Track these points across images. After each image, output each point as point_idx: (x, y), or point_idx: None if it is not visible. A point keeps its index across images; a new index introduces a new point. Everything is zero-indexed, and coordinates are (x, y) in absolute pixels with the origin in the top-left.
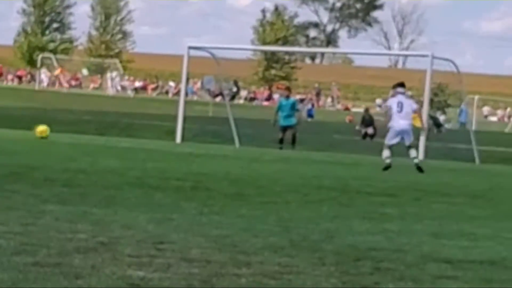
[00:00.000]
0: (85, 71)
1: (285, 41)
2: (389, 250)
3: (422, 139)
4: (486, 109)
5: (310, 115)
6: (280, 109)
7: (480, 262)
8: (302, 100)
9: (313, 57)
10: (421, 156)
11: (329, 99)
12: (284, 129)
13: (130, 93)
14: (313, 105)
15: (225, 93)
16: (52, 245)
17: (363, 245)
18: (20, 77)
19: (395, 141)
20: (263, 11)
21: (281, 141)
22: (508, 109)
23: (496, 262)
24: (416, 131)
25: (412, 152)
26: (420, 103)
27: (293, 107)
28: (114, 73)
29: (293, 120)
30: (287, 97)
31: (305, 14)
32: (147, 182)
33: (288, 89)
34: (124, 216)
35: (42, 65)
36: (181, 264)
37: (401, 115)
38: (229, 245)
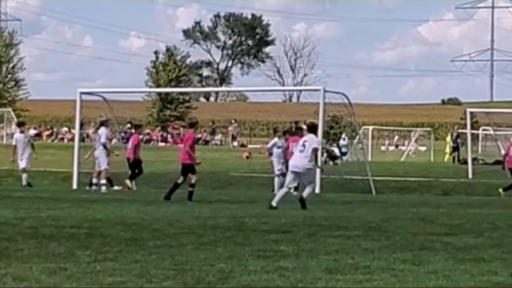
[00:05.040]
0: None
1: (178, 82)
2: None
3: (318, 173)
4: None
5: None
6: None
7: None
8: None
9: (207, 96)
10: (317, 189)
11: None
12: None
13: None
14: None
15: (120, 136)
16: None
17: (258, 284)
18: None
19: None
20: (156, 52)
21: None
22: (396, 138)
23: None
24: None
25: None
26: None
27: None
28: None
29: None
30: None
31: (198, 53)
32: (41, 232)
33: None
34: (17, 268)
35: None
36: None
37: None
38: None
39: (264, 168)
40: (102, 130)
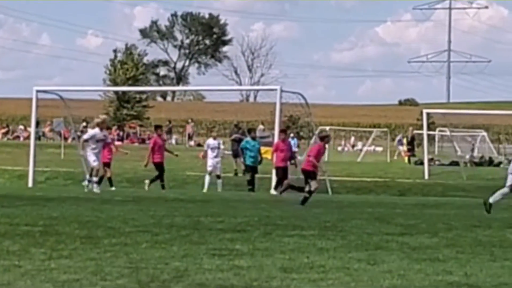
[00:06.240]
0: None
1: (136, 80)
2: (238, 287)
3: (274, 173)
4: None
5: None
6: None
7: None
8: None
9: (164, 95)
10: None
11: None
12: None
13: None
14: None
15: (76, 135)
16: None
17: (212, 283)
18: None
19: None
20: (115, 51)
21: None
22: (353, 138)
23: None
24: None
25: None
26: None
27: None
28: None
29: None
30: (253, 138)
31: (155, 52)
32: None
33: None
34: None
35: None
36: None
37: None
38: None
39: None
40: (92, 131)
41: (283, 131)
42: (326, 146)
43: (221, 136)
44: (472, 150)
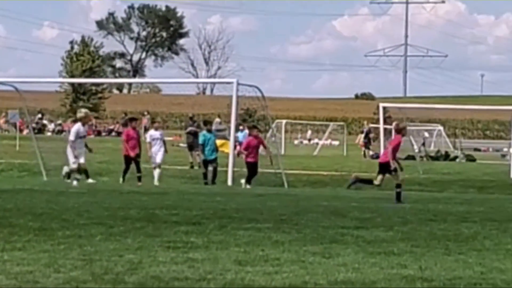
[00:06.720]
0: None
1: (92, 72)
2: (192, 279)
3: (230, 165)
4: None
5: None
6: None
7: None
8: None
9: (120, 87)
10: (229, 182)
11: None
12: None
13: None
14: None
15: (31, 127)
16: None
17: (166, 275)
18: None
19: None
20: (71, 42)
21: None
22: (309, 132)
23: (298, 286)
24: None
25: None
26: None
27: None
28: None
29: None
30: (209, 131)
31: (111, 45)
32: None
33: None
34: None
35: None
36: None
37: None
38: (30, 282)
39: (175, 161)
40: (75, 127)
41: (255, 127)
42: (404, 138)
43: (177, 129)
44: (423, 144)
